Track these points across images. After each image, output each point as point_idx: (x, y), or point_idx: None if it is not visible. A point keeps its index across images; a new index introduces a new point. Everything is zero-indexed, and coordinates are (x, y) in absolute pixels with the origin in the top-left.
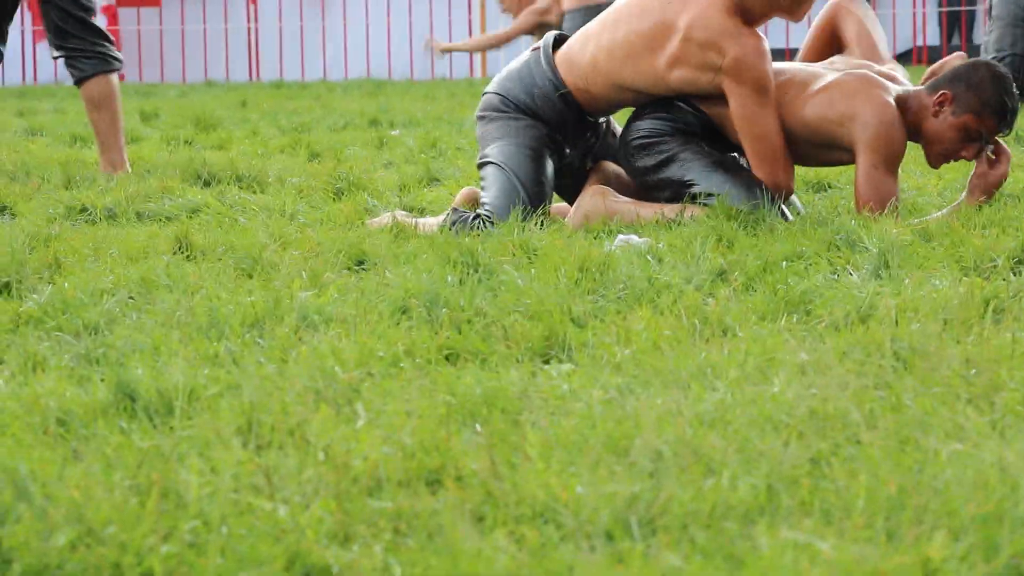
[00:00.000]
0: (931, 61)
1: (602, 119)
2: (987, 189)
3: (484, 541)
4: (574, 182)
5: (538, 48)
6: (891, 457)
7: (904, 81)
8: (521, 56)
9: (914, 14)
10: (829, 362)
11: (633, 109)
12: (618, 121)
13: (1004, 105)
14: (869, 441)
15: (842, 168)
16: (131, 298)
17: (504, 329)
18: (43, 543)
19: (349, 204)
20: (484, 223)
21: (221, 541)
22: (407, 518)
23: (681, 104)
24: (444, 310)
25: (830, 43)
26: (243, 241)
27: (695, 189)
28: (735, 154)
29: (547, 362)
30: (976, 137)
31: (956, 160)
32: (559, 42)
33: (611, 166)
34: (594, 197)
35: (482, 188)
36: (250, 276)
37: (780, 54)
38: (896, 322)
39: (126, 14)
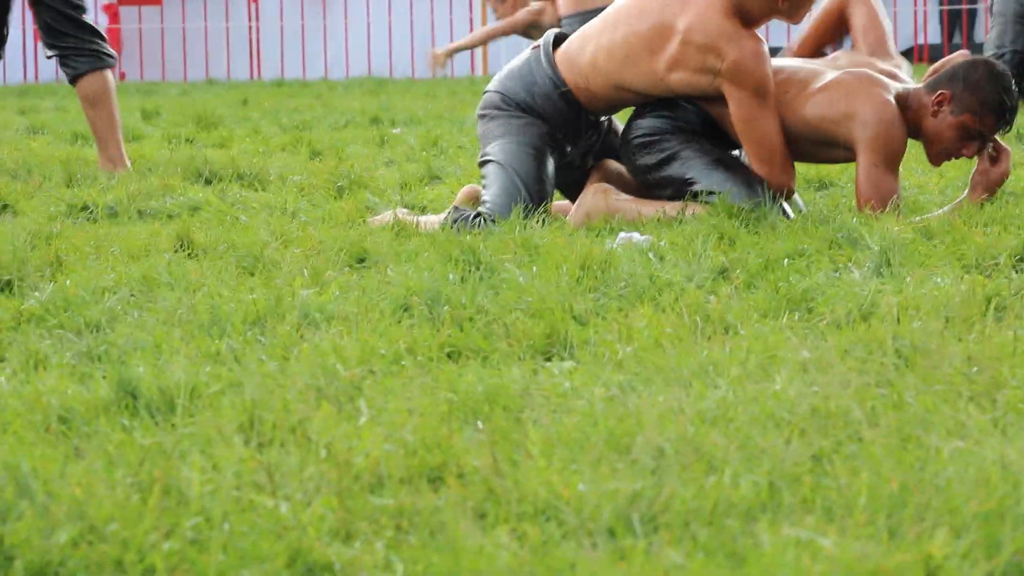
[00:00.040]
0: (932, 59)
1: (603, 117)
2: (989, 187)
3: (486, 538)
4: (576, 180)
5: (538, 46)
6: (893, 455)
7: (907, 78)
8: (522, 54)
9: (915, 12)
10: (831, 360)
11: (634, 108)
12: (620, 119)
13: (1003, 104)
14: (871, 439)
15: (843, 166)
16: (132, 296)
17: (506, 327)
18: (45, 540)
19: (350, 202)
20: (485, 221)
21: (223, 538)
22: (409, 515)
23: (682, 102)
24: (446, 308)
25: (836, 28)
26: (244, 239)
27: (696, 187)
28: (737, 151)
29: (549, 360)
30: (976, 136)
31: (957, 158)
32: (559, 41)
33: (613, 164)
34: (596, 195)
35: (483, 186)
36: (252, 274)
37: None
38: (898, 320)
39: (127, 12)
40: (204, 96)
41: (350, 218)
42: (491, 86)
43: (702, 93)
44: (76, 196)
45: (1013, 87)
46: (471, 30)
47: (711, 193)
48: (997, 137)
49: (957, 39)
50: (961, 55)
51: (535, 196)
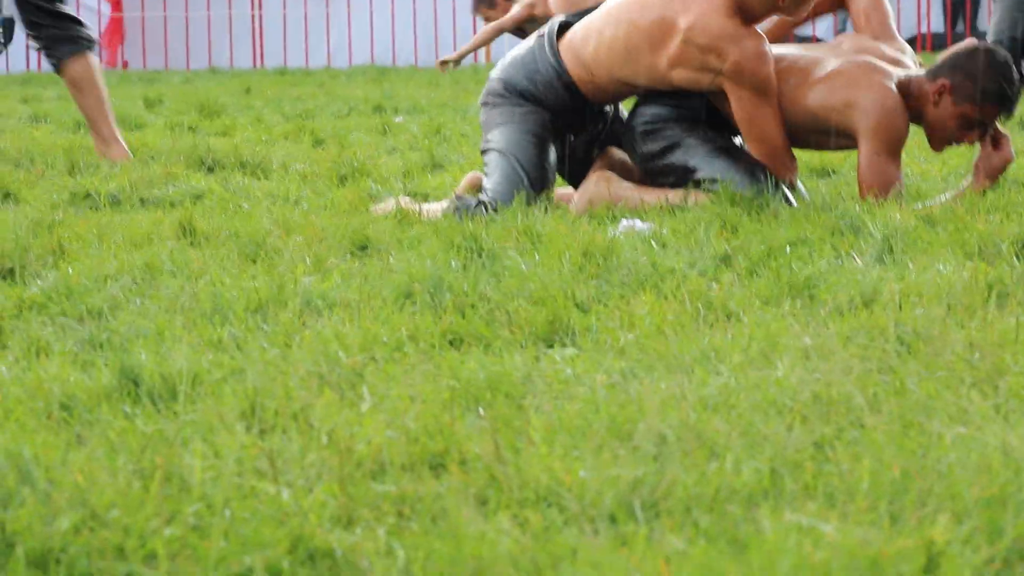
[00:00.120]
0: (935, 48)
1: (608, 107)
2: (991, 172)
3: (488, 525)
4: (580, 168)
5: (543, 34)
6: (895, 441)
7: (911, 63)
8: (525, 42)
9: (918, 1)
10: (833, 347)
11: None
12: (626, 107)
13: (1003, 92)
14: (873, 425)
15: (846, 154)
16: (135, 283)
17: (508, 314)
18: (47, 527)
19: (353, 190)
20: (487, 209)
21: (224, 525)
22: (411, 502)
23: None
24: (448, 295)
25: (834, 5)
26: (247, 227)
27: (699, 175)
28: (739, 139)
29: (551, 347)
30: (977, 124)
31: (959, 144)
32: (564, 29)
33: (616, 152)
34: (598, 183)
35: (485, 174)
36: (254, 261)
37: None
38: (900, 307)
39: (130, 1)
40: (207, 84)
41: (353, 206)
42: (494, 74)
43: (704, 90)
44: (79, 184)
45: (1014, 75)
46: (474, 18)
47: (714, 181)
48: (997, 123)
49: (960, 27)
50: (970, 43)
51: (536, 184)
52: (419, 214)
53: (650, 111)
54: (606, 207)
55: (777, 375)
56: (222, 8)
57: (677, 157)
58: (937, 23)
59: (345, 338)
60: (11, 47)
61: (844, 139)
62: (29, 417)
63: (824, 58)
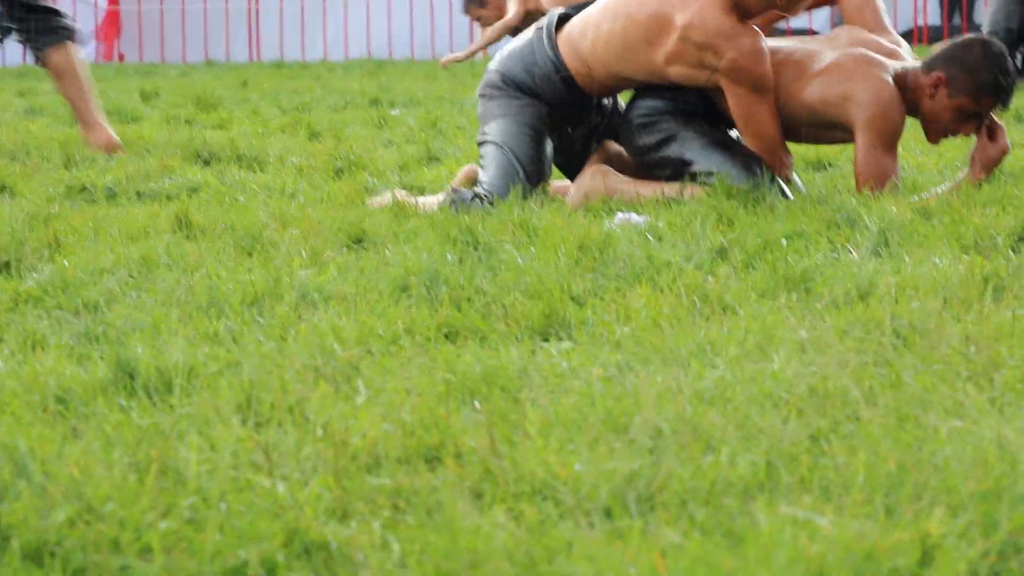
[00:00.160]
0: (932, 41)
1: (607, 100)
2: (988, 163)
3: (483, 518)
4: (578, 161)
5: (542, 27)
6: (890, 434)
7: (907, 56)
8: (524, 34)
9: None
10: (829, 340)
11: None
12: (624, 100)
13: (999, 84)
14: (868, 418)
15: (842, 147)
16: (131, 277)
17: (504, 307)
18: (42, 520)
19: (349, 183)
20: (482, 202)
21: (220, 518)
22: (406, 495)
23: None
24: (444, 288)
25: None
26: (243, 220)
27: (695, 168)
28: (735, 132)
29: (547, 340)
30: (973, 116)
31: (955, 136)
32: (563, 21)
33: (613, 146)
34: (594, 176)
35: (481, 167)
36: (250, 255)
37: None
38: (896, 300)
39: None
40: (203, 77)
41: (349, 199)
42: (492, 66)
43: (701, 86)
44: (75, 177)
45: (1009, 66)
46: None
47: (710, 174)
48: (993, 115)
49: (957, 20)
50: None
51: (532, 177)
52: (415, 207)
53: (646, 104)
54: (602, 200)
55: (773, 368)
56: (218, 1)
57: (673, 150)
58: (934, 16)
59: (341, 331)
60: (6, 40)
61: (841, 132)
62: (25, 410)
63: (820, 51)
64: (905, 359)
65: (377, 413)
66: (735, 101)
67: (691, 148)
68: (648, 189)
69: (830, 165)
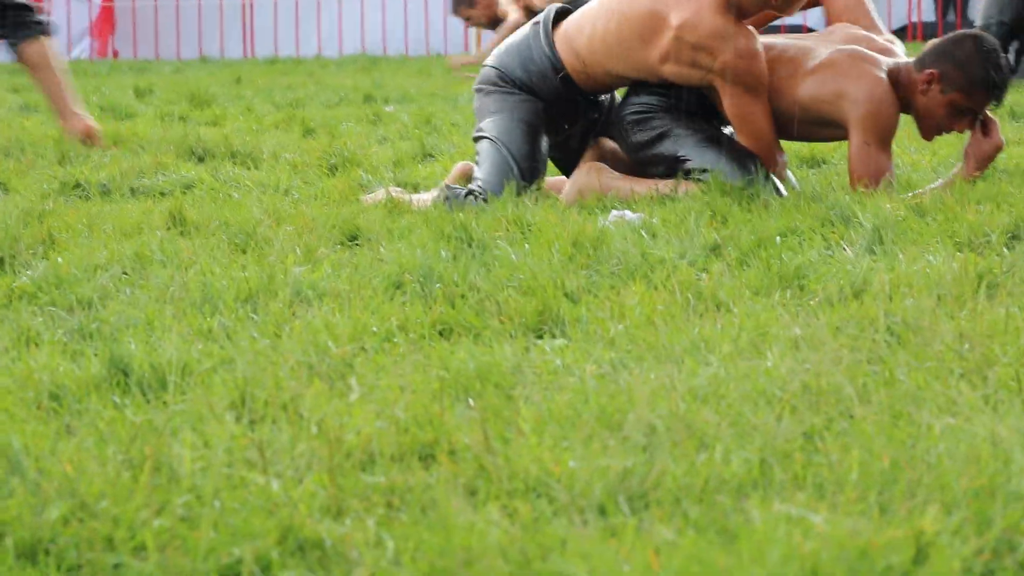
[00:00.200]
0: (926, 37)
1: (604, 96)
2: (981, 159)
3: (477, 515)
4: (575, 158)
5: (539, 22)
6: (884, 431)
7: (900, 53)
8: (522, 29)
9: None
10: (823, 337)
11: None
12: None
13: (992, 80)
14: (862, 415)
15: (836, 144)
16: (125, 273)
17: (498, 304)
18: (36, 517)
19: (343, 180)
20: (476, 199)
21: (214, 515)
22: (400, 492)
23: None
24: (438, 285)
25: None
26: (237, 216)
27: (689, 165)
28: (729, 129)
29: (540, 337)
30: (966, 112)
31: (948, 133)
32: (562, 16)
33: (607, 143)
34: (588, 173)
35: (476, 162)
36: (244, 251)
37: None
38: (890, 297)
39: None
40: (197, 74)
41: (343, 196)
42: (489, 61)
43: (695, 84)
44: (69, 174)
45: (1002, 62)
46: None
47: (704, 171)
48: (987, 110)
49: (951, 17)
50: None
51: (527, 174)
52: (409, 204)
53: (639, 100)
54: (596, 197)
55: (767, 365)
56: None
57: (666, 147)
58: (928, 12)
59: (335, 328)
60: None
61: (835, 129)
62: (18, 407)
63: (814, 48)
64: (899, 356)
65: (371, 410)
66: (729, 101)
67: (685, 145)
68: (642, 186)
69: (824, 162)
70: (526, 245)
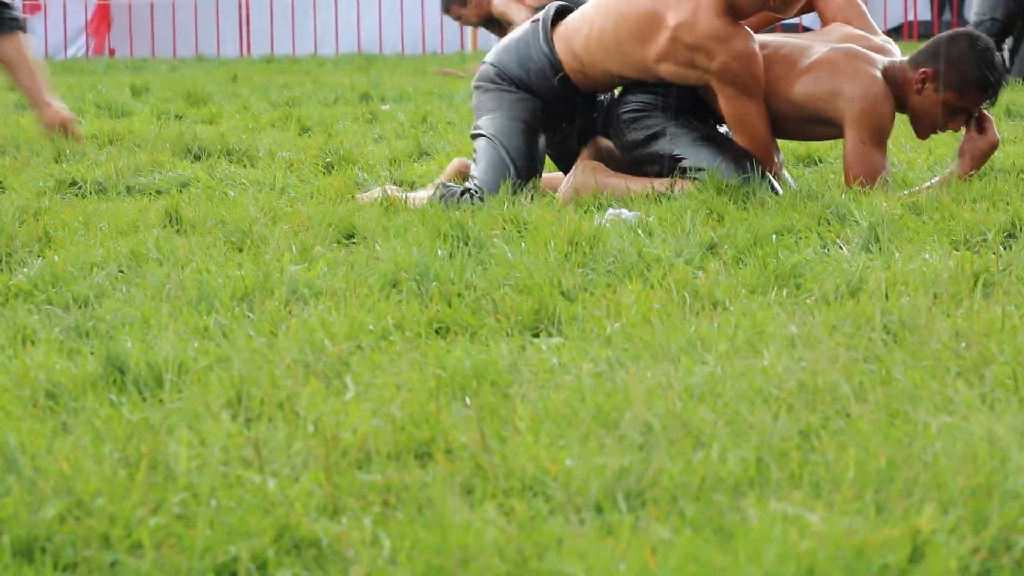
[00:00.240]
0: (922, 37)
1: (603, 96)
2: (977, 156)
3: (473, 514)
4: (574, 157)
5: (538, 20)
6: (881, 430)
7: (896, 53)
8: (522, 26)
9: None
10: (819, 335)
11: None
12: None
13: (986, 79)
14: (858, 414)
15: (832, 142)
16: (121, 271)
17: (494, 302)
18: (32, 515)
19: (339, 178)
20: (472, 198)
21: (210, 513)
22: (396, 491)
23: None
24: (434, 283)
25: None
26: (233, 215)
27: (684, 163)
28: (724, 127)
29: (537, 335)
30: (961, 111)
31: (944, 132)
32: (561, 15)
33: (604, 141)
34: (585, 171)
35: (473, 160)
36: (240, 250)
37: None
38: (886, 296)
39: None
40: (193, 72)
41: (339, 194)
42: (488, 58)
43: (691, 84)
44: (65, 172)
45: (996, 60)
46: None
47: (700, 169)
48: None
49: (947, 16)
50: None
51: (524, 173)
52: (405, 202)
53: (634, 99)
54: (592, 195)
55: (763, 364)
56: None
57: (661, 146)
58: (924, 11)
59: (331, 326)
60: None
61: (830, 128)
62: (15, 405)
63: (809, 46)
64: (895, 355)
65: (367, 409)
66: (726, 102)
67: (680, 144)
68: (638, 184)
69: (820, 160)
70: (522, 243)
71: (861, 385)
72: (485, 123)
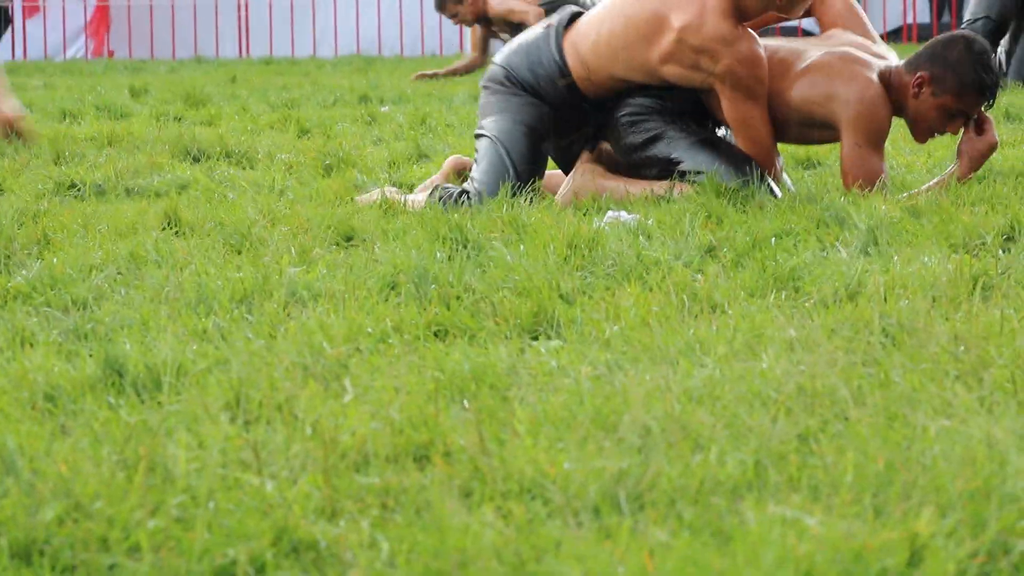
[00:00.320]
0: (921, 39)
1: (610, 102)
2: (976, 157)
3: (472, 517)
4: (576, 161)
5: (552, 24)
6: (879, 433)
7: (894, 59)
8: (534, 29)
9: None
10: (817, 339)
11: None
12: None
13: (983, 82)
14: (857, 417)
15: (831, 145)
16: (120, 274)
17: (493, 305)
18: (30, 518)
19: (338, 180)
20: (470, 200)
21: (208, 516)
22: (395, 494)
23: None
24: (433, 286)
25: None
26: (232, 217)
27: (682, 167)
28: (723, 131)
29: (535, 338)
30: (958, 114)
31: (942, 135)
32: (574, 19)
33: (603, 144)
34: (584, 174)
35: (474, 160)
36: (239, 252)
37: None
38: (885, 299)
39: None
40: (192, 74)
41: (338, 196)
42: (497, 59)
43: (695, 86)
44: (64, 174)
45: (992, 63)
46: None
47: (698, 173)
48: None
49: (946, 18)
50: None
51: (523, 176)
52: (404, 205)
53: (633, 102)
54: (591, 198)
55: (762, 367)
56: None
57: (660, 149)
58: (923, 14)
59: (330, 329)
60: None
61: (826, 131)
62: (13, 407)
63: (806, 49)
64: (894, 358)
65: (366, 411)
66: (729, 105)
67: (678, 147)
68: (637, 187)
69: (819, 163)
70: (521, 246)
71: (860, 388)
72: (489, 124)
